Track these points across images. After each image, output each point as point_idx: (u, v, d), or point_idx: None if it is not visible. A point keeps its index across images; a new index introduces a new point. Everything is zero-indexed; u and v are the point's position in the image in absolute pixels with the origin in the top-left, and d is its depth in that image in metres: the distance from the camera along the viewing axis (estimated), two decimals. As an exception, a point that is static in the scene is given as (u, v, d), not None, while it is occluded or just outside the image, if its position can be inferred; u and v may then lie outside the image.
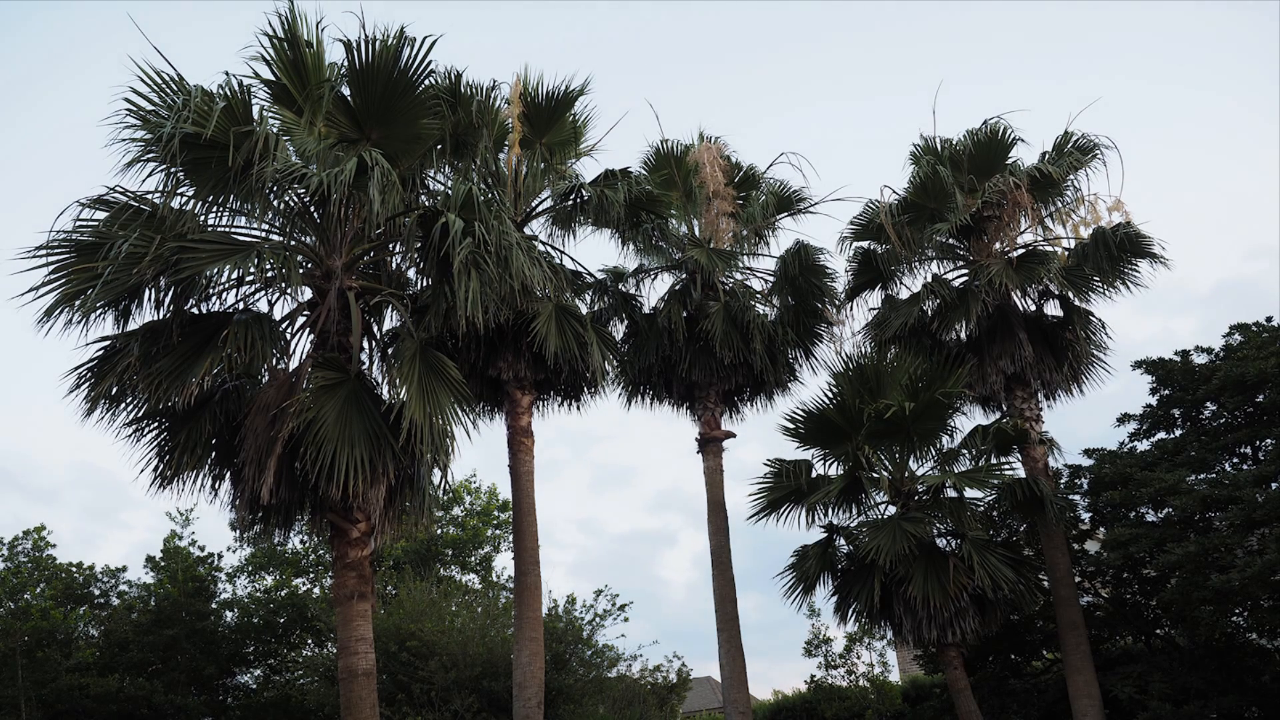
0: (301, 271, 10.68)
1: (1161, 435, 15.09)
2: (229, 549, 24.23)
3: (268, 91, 11.09)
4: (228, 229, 10.58)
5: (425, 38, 10.70)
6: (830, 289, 16.23)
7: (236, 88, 9.81)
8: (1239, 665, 13.81)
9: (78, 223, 9.83)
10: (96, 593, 20.92)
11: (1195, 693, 13.34)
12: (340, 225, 10.59)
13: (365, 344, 11.10)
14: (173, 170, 9.78)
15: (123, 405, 10.28)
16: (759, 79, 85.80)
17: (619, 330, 16.39)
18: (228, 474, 10.84)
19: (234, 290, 10.53)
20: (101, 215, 10.01)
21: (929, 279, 15.81)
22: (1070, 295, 15.48)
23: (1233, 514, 12.03)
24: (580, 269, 15.44)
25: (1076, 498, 15.14)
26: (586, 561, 61.54)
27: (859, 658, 20.63)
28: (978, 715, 13.27)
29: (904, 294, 16.48)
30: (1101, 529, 15.14)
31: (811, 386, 31.92)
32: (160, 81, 9.69)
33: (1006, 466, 14.05)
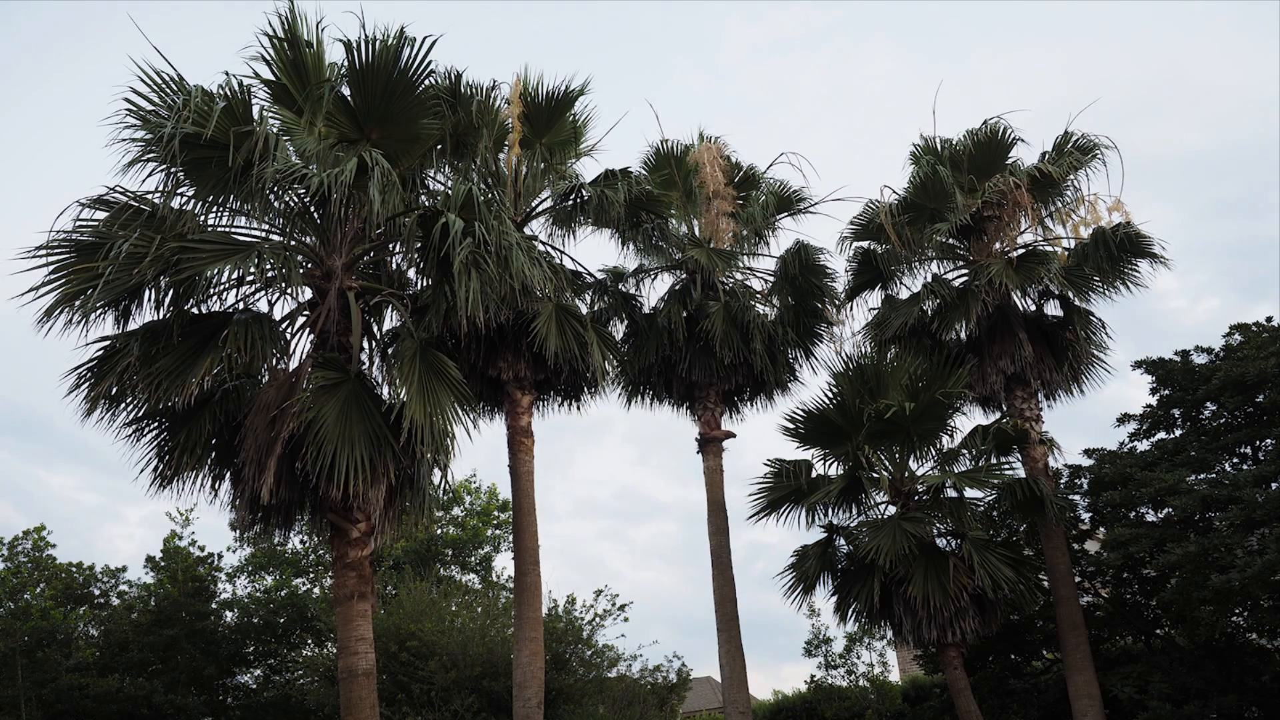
0: (301, 271, 10.68)
1: (1161, 435, 15.08)
2: (229, 549, 24.25)
3: (268, 91, 11.09)
4: (228, 229, 10.59)
5: (425, 38, 10.71)
6: (830, 289, 16.24)
7: (236, 88, 9.81)
8: (1239, 665, 13.80)
9: (78, 223, 9.83)
10: (96, 593, 20.89)
11: (1195, 693, 13.34)
12: (340, 225, 10.58)
13: (365, 344, 11.10)
14: (173, 170, 9.78)
15: (123, 405, 10.28)
16: (759, 79, 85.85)
17: (619, 330, 16.38)
18: (228, 474, 10.85)
19: (234, 290, 10.53)
20: (101, 215, 10.01)
21: (929, 279, 15.83)
22: (1070, 295, 15.49)
23: (1233, 514, 12.03)
24: (580, 269, 15.48)
25: (1076, 498, 15.15)
26: (649, 546, 60.32)
27: (859, 658, 20.66)
28: (978, 715, 13.27)
29: (904, 294, 16.51)
30: (1101, 529, 15.13)
31: (811, 386, 31.95)
32: (160, 82, 9.69)
33: (1006, 466, 14.06)
